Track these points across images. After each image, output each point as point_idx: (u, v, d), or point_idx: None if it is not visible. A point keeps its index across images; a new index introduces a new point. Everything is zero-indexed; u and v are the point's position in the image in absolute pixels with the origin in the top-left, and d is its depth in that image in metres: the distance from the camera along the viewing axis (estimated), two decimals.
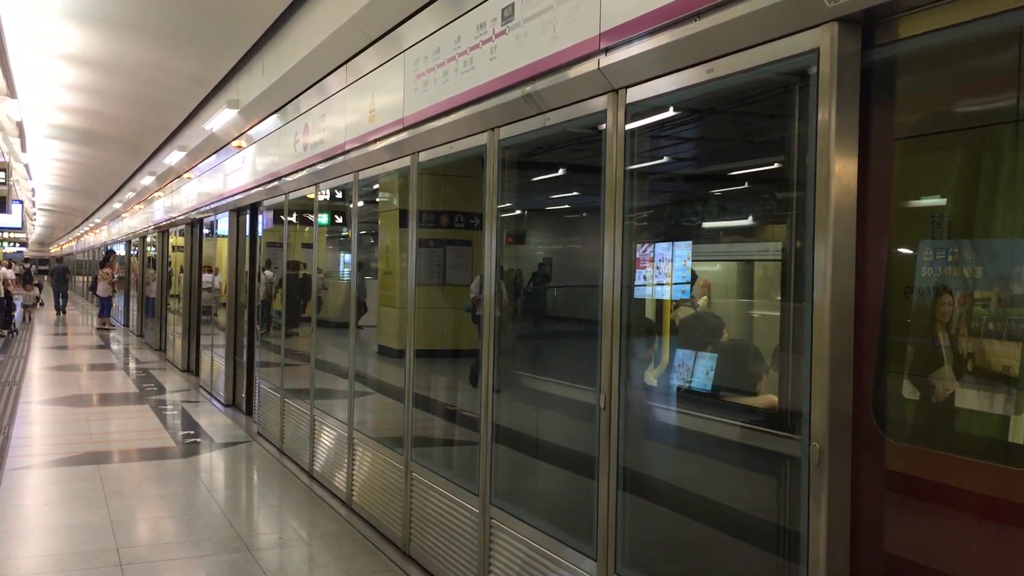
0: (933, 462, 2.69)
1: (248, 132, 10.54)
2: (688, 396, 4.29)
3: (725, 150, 5.14)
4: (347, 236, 7.64)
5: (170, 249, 18.82)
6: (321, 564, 5.90)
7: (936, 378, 2.91)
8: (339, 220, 8.37)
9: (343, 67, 7.00)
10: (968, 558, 2.73)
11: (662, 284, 4.28)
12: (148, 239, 21.91)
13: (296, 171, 8.44)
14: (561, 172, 6.64)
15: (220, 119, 10.48)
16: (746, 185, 5.81)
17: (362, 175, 6.84)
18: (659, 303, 4.35)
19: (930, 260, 2.90)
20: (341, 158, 7.05)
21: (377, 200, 7.37)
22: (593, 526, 3.78)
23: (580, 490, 4.07)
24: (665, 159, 4.38)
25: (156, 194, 19.66)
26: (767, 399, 3.86)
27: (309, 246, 9.11)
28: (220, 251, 12.95)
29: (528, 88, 4.20)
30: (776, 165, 4.71)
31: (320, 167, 7.64)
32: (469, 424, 5.31)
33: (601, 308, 3.78)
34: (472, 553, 4.87)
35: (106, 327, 24.18)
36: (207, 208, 13.54)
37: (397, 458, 5.98)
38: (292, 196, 8.93)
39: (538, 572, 4.23)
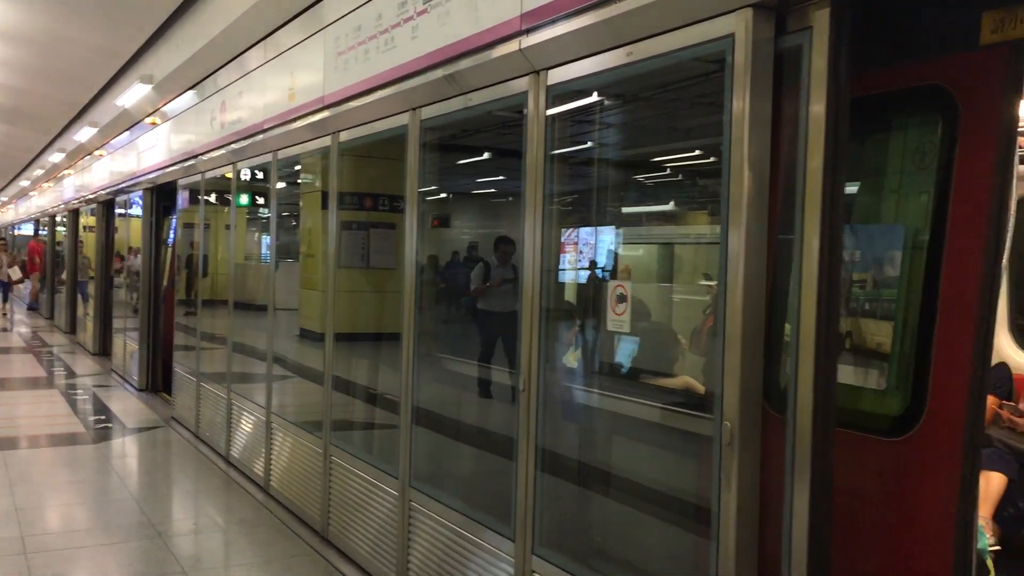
0: None
1: (163, 108, 10.23)
2: (607, 377, 4.34)
3: (648, 136, 5.19)
4: (268, 217, 7.50)
5: (81, 229, 18.19)
6: (237, 550, 5.80)
7: None
8: (260, 201, 8.20)
9: (262, 43, 6.84)
10: (849, 527, 2.87)
11: (584, 268, 4.32)
12: (58, 219, 21.14)
13: (213, 149, 8.23)
14: (487, 156, 6.62)
15: (133, 95, 10.15)
16: (668, 171, 5.90)
17: (281, 154, 6.71)
18: (582, 286, 4.38)
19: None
20: (260, 136, 6.90)
21: (299, 181, 7.25)
22: (511, 507, 3.80)
23: (501, 472, 4.08)
24: (588, 144, 4.39)
25: (66, 172, 18.97)
26: (682, 380, 3.93)
27: (229, 227, 8.92)
28: (134, 232, 12.58)
29: (450, 68, 4.16)
30: (696, 152, 4.79)
31: (237, 146, 7.46)
32: (390, 407, 5.28)
33: (521, 291, 3.78)
34: (392, 536, 4.85)
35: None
36: (120, 187, 13.13)
37: (316, 442, 5.92)
38: (209, 175, 8.72)
39: (457, 554, 4.24)
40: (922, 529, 2.80)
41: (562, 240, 4.06)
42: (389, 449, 5.03)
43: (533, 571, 3.66)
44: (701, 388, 3.47)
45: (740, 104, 2.69)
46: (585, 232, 4.55)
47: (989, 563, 3.33)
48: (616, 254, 4.93)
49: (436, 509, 4.45)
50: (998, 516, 4.59)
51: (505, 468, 3.92)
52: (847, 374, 3.12)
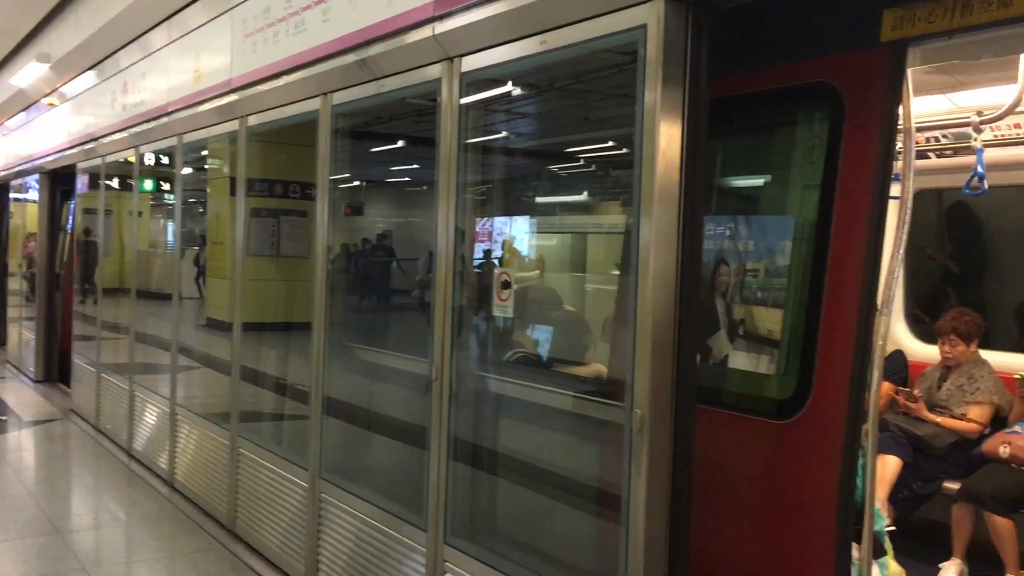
0: (708, 419, 2.85)
1: (61, 89, 9.81)
2: (521, 366, 4.36)
3: (563, 126, 5.21)
4: (173, 204, 7.28)
5: None
6: (140, 545, 5.63)
7: (712, 342, 3.19)
8: (166, 187, 7.96)
9: (166, 22, 6.63)
10: (740, 506, 2.96)
11: (501, 257, 4.32)
12: None
13: (114, 132, 7.95)
14: (401, 144, 6.56)
15: (29, 74, 9.70)
16: (582, 162, 5.94)
17: (187, 138, 6.52)
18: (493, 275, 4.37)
19: (710, 234, 3.13)
20: (164, 119, 6.69)
21: (206, 166, 7.05)
22: (424, 497, 3.77)
23: (413, 462, 4.05)
24: (503, 133, 4.38)
25: None
26: (594, 368, 3.96)
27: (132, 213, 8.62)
28: (30, 217, 12.07)
29: (362, 53, 4.09)
30: (610, 142, 4.83)
31: (140, 129, 7.23)
32: (301, 398, 5.19)
33: (434, 281, 3.76)
34: (301, 529, 4.77)
35: None
36: (15, 170, 12.56)
37: (223, 434, 5.78)
38: (110, 159, 8.43)
39: (369, 545, 4.19)
40: (808, 507, 2.91)
41: (476, 229, 4.06)
42: (299, 441, 4.94)
43: (445, 560, 3.65)
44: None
45: (652, 96, 2.71)
46: (499, 222, 4.55)
47: (886, 544, 3.46)
48: (530, 244, 4.95)
49: (347, 500, 4.40)
50: (894, 498, 4.77)
51: (419, 458, 3.89)
52: (740, 360, 3.23)
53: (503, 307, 3.64)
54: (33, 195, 11.84)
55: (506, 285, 3.61)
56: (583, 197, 6.53)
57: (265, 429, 5.85)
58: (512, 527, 3.99)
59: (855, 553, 3.06)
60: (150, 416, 7.23)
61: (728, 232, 3.32)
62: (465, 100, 3.61)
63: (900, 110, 3.06)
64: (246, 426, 5.62)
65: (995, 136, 4.44)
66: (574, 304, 5.51)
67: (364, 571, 4.20)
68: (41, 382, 11.16)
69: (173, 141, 6.72)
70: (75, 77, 9.20)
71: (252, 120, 5.42)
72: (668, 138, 2.71)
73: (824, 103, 2.97)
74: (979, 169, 3.82)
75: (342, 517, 4.42)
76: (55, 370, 11.19)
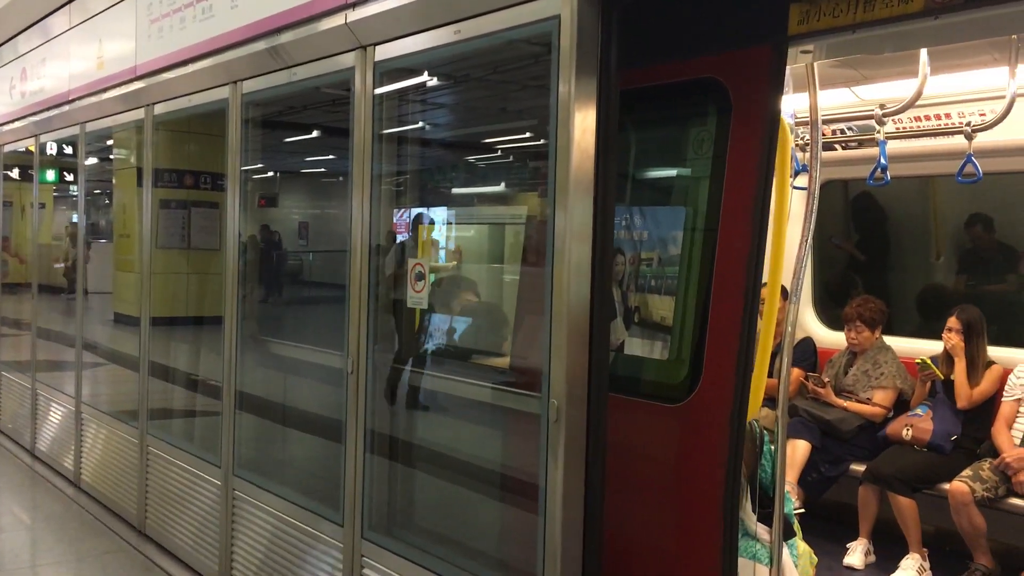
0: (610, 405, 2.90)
1: None
2: (438, 358, 4.33)
3: (478, 117, 5.19)
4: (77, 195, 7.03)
5: None
6: (45, 548, 5.42)
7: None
8: (70, 177, 7.69)
9: (68, 7, 6.40)
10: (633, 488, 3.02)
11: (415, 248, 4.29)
12: None
13: (13, 120, 7.64)
14: (316, 134, 6.46)
15: None
16: (499, 153, 5.93)
17: (90, 127, 6.30)
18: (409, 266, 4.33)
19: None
20: (65, 107, 6.45)
21: (111, 156, 6.82)
22: (340, 492, 3.73)
23: (330, 456, 4.00)
24: (418, 124, 4.34)
25: None
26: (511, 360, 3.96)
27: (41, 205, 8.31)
28: None
29: (273, 40, 4.01)
30: (527, 133, 4.84)
31: (40, 117, 6.97)
32: (213, 394, 5.06)
33: (349, 273, 3.70)
34: (214, 527, 4.66)
35: None
36: None
37: (132, 432, 5.61)
38: (9, 148, 8.10)
39: (285, 542, 4.12)
40: (699, 486, 2.98)
41: (394, 220, 4.03)
42: (211, 437, 4.83)
43: (363, 555, 3.61)
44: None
45: (567, 86, 2.71)
46: (416, 213, 4.51)
47: (796, 525, 3.55)
48: (448, 234, 4.93)
49: (261, 497, 4.32)
50: (803, 481, 4.91)
51: (336, 453, 3.84)
52: (635, 346, 3.30)
53: (418, 298, 3.62)
54: None
55: (420, 276, 3.59)
56: (500, 188, 6.52)
57: (176, 426, 5.70)
58: (431, 520, 3.97)
59: (765, 535, 3.14)
60: (54, 415, 6.98)
61: (624, 222, 3.38)
62: (379, 90, 3.56)
63: (808, 103, 3.15)
64: (156, 424, 5.47)
65: (897, 129, 4.58)
66: (493, 296, 5.51)
67: (280, 568, 4.13)
68: None
69: (75, 130, 6.49)
70: None
71: (159, 108, 5.27)
72: (583, 129, 2.72)
73: (712, 98, 3.04)
74: (882, 160, 3.94)
75: (256, 514, 4.33)
76: None
